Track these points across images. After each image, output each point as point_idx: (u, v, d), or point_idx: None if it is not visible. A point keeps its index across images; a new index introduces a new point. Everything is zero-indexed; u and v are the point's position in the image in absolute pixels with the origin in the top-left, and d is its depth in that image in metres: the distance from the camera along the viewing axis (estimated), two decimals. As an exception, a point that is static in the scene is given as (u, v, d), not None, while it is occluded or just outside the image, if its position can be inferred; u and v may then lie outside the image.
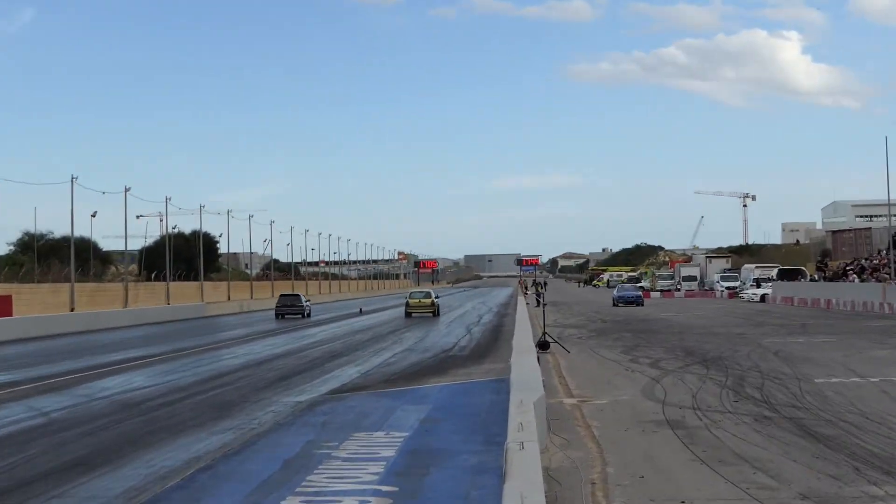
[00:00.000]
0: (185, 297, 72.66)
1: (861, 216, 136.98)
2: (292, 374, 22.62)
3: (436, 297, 55.69)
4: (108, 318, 51.92)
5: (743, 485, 9.53)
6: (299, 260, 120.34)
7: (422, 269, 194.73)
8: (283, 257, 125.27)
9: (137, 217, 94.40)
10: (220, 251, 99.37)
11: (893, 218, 57.54)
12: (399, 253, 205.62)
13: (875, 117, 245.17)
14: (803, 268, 78.42)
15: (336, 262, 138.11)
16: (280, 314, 57.26)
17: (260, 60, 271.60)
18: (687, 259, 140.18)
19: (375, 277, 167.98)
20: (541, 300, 35.29)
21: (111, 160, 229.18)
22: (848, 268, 66.22)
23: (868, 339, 29.71)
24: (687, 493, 9.27)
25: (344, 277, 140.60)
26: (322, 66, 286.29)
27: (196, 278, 78.70)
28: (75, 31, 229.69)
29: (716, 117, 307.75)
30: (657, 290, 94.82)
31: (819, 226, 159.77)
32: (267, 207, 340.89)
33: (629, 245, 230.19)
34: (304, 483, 10.00)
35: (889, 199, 54.28)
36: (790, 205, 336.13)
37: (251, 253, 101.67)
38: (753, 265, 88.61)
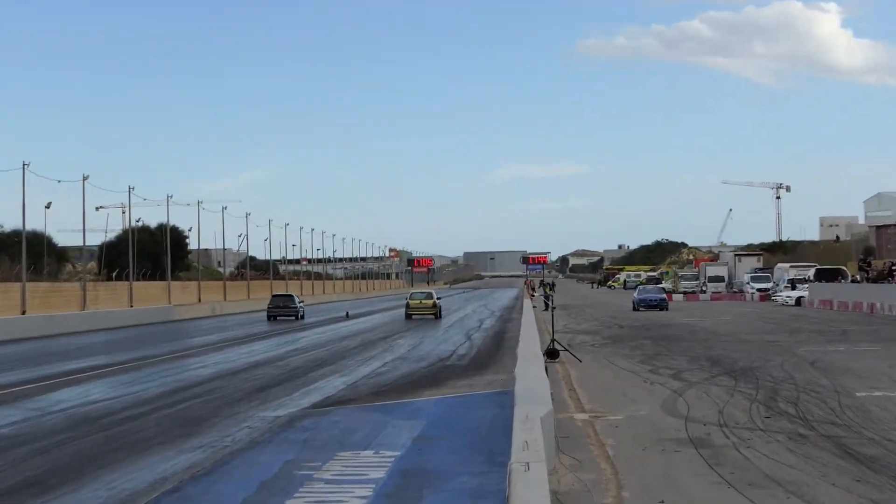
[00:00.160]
0: (150, 298, 72.64)
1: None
2: (270, 385, 22.62)
3: (437, 298, 58.03)
4: (64, 322, 51.88)
5: (775, 511, 9.54)
6: (278, 257, 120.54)
7: (416, 267, 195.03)
8: (261, 254, 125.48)
9: (97, 209, 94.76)
10: (189, 247, 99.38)
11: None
12: (390, 250, 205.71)
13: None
14: (844, 267, 78.38)
15: (320, 260, 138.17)
16: (272, 316, 59.94)
17: (234, 36, 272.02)
18: (713, 257, 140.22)
19: (364, 277, 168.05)
20: (549, 303, 35.32)
21: (67, 145, 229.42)
22: (894, 267, 66.26)
23: (916, 348, 29.76)
24: (712, 519, 9.29)
25: (328, 277, 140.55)
26: (303, 43, 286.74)
27: (162, 278, 78.69)
28: (28, 5, 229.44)
29: (745, 98, 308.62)
30: (680, 292, 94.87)
31: (861, 220, 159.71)
32: (242, 198, 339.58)
33: (648, 241, 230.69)
34: (283, 508, 10.00)
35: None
36: (829, 197, 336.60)
37: (224, 249, 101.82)
38: (788, 264, 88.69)
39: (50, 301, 59.98)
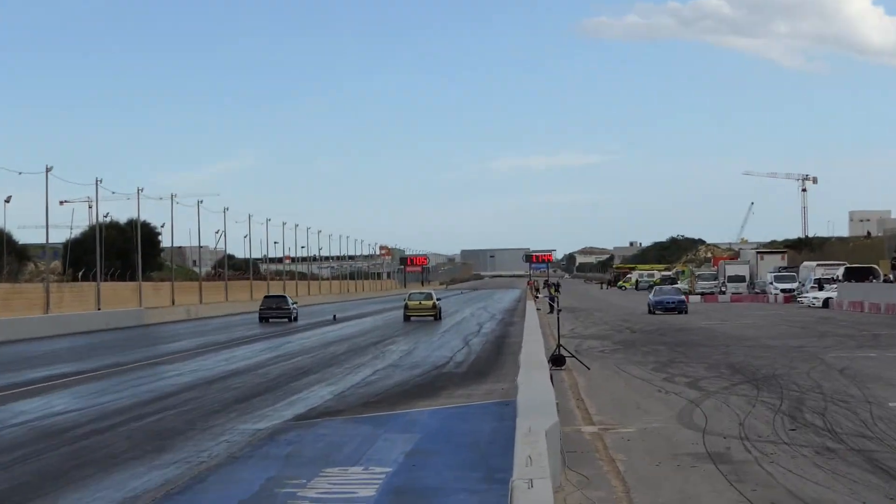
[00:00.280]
0: (119, 300, 72.62)
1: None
2: (251, 395, 22.61)
3: (437, 300, 60.10)
4: (26, 327, 51.82)
5: (801, 532, 9.55)
6: (259, 256, 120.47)
7: (409, 266, 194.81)
8: (240, 252, 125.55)
9: (61, 203, 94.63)
10: (162, 245, 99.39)
11: None
12: (381, 247, 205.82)
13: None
14: (875, 266, 78.50)
15: (304, 259, 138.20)
16: (265, 318, 61.96)
17: (210, 15, 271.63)
18: (733, 255, 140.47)
19: (352, 277, 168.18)
20: (554, 305, 35.34)
21: (30, 134, 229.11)
22: (930, 266, 66.35)
23: (954, 354, 29.80)
24: (732, 541, 9.29)
25: (314, 277, 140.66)
26: (289, 24, 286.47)
27: (132, 278, 78.70)
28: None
29: (767, 82, 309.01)
30: (697, 294, 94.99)
31: (894, 215, 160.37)
32: (220, 191, 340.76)
33: (662, 238, 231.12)
34: (264, 529, 10.00)
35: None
36: (859, 189, 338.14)
37: (200, 247, 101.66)
38: (814, 263, 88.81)
39: (10, 303, 59.94)
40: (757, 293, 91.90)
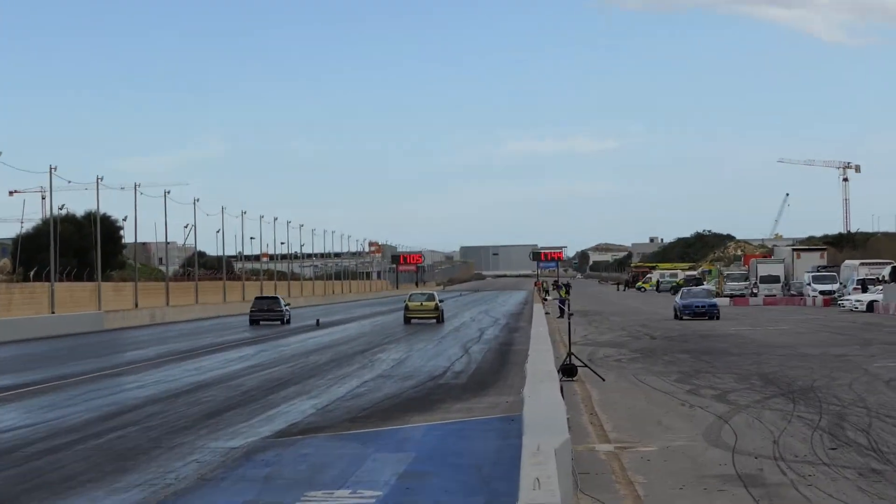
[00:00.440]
0: (76, 303, 72.65)
1: None
2: (223, 409, 22.62)
3: (440, 301, 62.06)
4: (-30, 333, 51.79)
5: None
6: (233, 253, 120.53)
7: (402, 265, 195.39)
8: (212, 249, 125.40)
9: (11, 193, 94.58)
10: (124, 240, 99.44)
11: None
12: (370, 244, 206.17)
13: None
14: (926, 265, 78.62)
15: (284, 256, 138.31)
16: (256, 320, 65.26)
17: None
18: (766, 253, 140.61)
19: (338, 277, 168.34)
20: (565, 308, 35.37)
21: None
22: None
23: None
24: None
25: (294, 277, 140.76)
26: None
27: (91, 278, 78.70)
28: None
29: (806, 58, 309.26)
30: (725, 296, 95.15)
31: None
32: (190, 180, 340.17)
33: (687, 234, 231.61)
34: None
35: None
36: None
37: (167, 243, 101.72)
38: (857, 261, 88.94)
39: (-48, 306, 59.92)
40: (793, 295, 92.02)
